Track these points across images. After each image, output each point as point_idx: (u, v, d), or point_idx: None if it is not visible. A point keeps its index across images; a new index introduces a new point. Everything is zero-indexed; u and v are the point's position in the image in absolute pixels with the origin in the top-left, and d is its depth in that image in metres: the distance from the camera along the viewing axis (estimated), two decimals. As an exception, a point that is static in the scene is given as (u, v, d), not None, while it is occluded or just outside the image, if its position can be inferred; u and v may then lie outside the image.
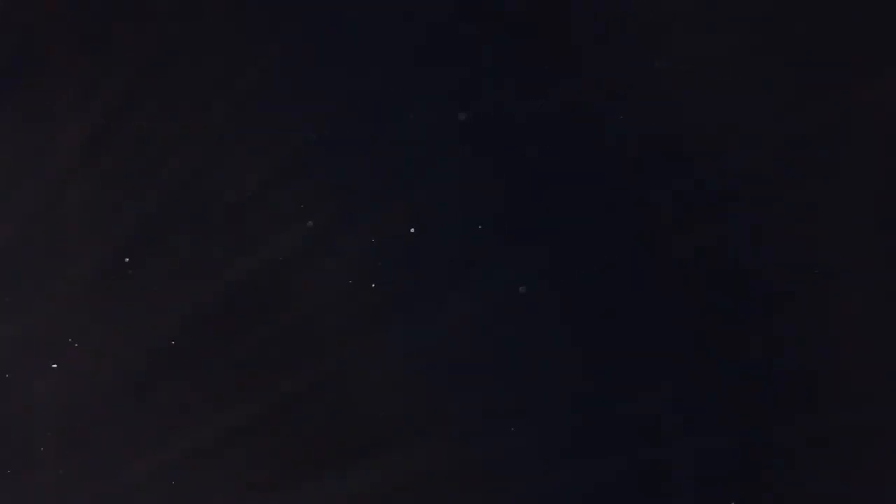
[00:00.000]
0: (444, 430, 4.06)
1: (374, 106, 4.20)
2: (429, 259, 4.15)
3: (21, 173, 4.19)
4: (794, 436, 4.02)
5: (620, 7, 4.33)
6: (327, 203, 4.13)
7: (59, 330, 4.15)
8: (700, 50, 4.27)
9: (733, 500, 3.99)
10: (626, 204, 4.22)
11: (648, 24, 4.35)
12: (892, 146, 4.20)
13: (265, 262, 4.13)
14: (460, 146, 4.19)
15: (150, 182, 4.17)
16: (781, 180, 4.21)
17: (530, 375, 4.10)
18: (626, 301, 4.15)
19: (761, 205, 4.19)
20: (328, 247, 4.14)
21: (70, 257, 4.17)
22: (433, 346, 4.11)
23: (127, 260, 4.14)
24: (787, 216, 4.18)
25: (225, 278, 4.11)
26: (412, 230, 4.08)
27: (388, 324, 4.11)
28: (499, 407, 4.08)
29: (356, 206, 4.13)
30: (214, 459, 4.05)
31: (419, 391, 4.09)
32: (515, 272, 4.15)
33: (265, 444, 4.06)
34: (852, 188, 4.19)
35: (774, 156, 4.22)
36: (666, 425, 4.05)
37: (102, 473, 4.08)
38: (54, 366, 4.11)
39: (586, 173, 4.23)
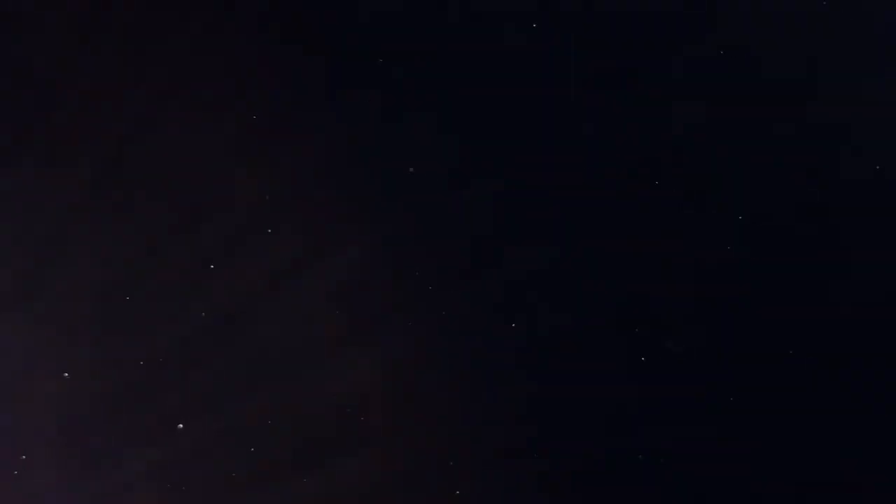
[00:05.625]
0: (425, 431, 4.10)
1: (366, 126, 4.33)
2: (410, 270, 4.21)
3: (34, 204, 4.35)
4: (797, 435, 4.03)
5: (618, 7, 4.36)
6: (314, 228, 4.27)
7: (64, 340, 4.23)
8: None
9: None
10: (618, 207, 4.24)
11: (647, 23, 4.37)
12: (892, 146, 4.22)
13: (258, 281, 4.25)
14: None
15: (150, 211, 4.32)
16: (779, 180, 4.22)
17: (519, 377, 4.13)
18: (619, 303, 4.17)
19: (758, 204, 4.21)
20: (314, 266, 4.24)
21: (77, 274, 4.28)
22: (413, 353, 4.15)
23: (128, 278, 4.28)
24: (785, 216, 4.20)
25: (218, 295, 4.23)
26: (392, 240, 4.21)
27: (371, 333, 4.19)
28: (482, 406, 4.11)
29: (343, 227, 4.26)
30: (207, 459, 4.10)
31: (400, 394, 4.14)
32: (499, 279, 4.19)
33: (253, 444, 4.12)
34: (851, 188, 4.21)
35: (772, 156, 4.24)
36: (660, 423, 4.05)
37: (98, 474, 4.13)
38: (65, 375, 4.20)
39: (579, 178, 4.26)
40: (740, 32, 4.32)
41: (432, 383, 4.12)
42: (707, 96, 4.28)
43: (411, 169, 4.23)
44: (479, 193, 4.24)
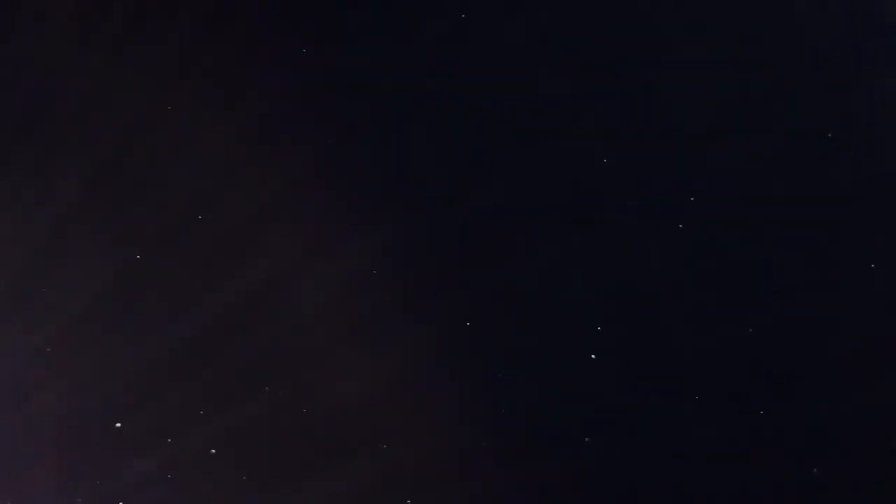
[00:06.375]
0: (428, 432, 4.11)
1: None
2: (411, 270, 4.22)
3: (33, 204, 4.37)
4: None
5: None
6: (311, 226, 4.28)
7: (66, 340, 4.24)
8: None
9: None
10: (619, 208, 4.24)
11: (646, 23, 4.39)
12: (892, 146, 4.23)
13: (255, 283, 4.25)
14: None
15: (149, 212, 4.33)
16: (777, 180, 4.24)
17: (521, 378, 4.14)
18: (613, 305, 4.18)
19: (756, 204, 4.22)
20: (309, 269, 4.25)
21: (76, 275, 4.29)
22: (415, 354, 4.16)
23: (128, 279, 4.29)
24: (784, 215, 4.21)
25: (216, 297, 4.24)
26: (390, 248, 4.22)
27: (372, 333, 4.19)
28: (486, 407, 4.11)
29: (339, 226, 4.27)
30: (208, 460, 4.10)
31: (401, 395, 4.14)
32: (494, 281, 4.20)
33: (254, 446, 4.12)
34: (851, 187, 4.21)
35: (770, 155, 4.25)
36: (651, 422, 4.05)
37: (98, 475, 4.13)
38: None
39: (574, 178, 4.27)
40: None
41: (435, 384, 4.13)
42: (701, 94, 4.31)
43: (330, 140, 4.25)
44: (480, 193, 4.25)
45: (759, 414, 3.96)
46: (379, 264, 4.20)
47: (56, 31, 4.46)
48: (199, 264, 4.27)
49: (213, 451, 4.06)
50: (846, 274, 4.11)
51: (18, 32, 4.46)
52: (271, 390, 4.12)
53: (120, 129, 4.38)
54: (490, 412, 4.07)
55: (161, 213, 4.30)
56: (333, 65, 4.39)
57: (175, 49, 4.42)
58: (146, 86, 4.40)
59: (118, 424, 4.11)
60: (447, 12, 4.39)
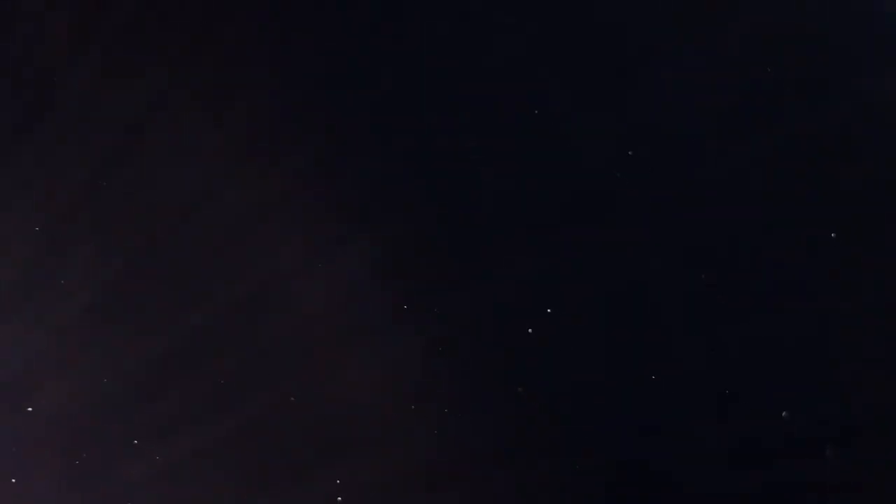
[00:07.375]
0: (425, 432, 4.11)
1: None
2: (411, 270, 4.23)
3: (33, 203, 4.41)
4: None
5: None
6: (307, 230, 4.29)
7: (66, 340, 4.26)
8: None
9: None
10: (620, 209, 4.24)
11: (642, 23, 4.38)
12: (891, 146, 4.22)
13: (255, 283, 4.28)
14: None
15: (147, 210, 4.36)
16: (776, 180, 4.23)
17: (522, 378, 4.14)
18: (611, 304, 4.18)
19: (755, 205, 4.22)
20: (309, 269, 4.26)
21: (76, 275, 4.30)
22: (413, 354, 4.16)
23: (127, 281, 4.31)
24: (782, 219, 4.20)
25: (215, 298, 4.26)
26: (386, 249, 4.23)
27: (372, 334, 4.21)
28: (486, 407, 4.12)
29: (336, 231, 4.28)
30: (208, 461, 4.11)
31: (401, 395, 4.14)
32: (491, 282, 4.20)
33: (255, 446, 4.13)
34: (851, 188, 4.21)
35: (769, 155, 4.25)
36: (655, 424, 4.05)
37: (99, 475, 4.14)
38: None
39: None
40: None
41: (435, 384, 4.13)
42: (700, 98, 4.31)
43: (330, 140, 4.26)
44: (480, 193, 4.25)
45: (760, 414, 3.97)
46: (379, 264, 4.21)
47: (56, 31, 4.46)
48: (198, 264, 4.27)
49: (215, 453, 4.08)
50: (847, 274, 4.11)
51: (18, 32, 4.46)
52: (271, 390, 4.13)
53: (120, 129, 4.38)
54: (490, 412, 4.08)
55: (160, 213, 4.31)
56: (333, 65, 4.38)
57: (174, 49, 4.42)
58: (146, 86, 4.40)
59: (119, 425, 4.13)
60: (447, 12, 4.38)
